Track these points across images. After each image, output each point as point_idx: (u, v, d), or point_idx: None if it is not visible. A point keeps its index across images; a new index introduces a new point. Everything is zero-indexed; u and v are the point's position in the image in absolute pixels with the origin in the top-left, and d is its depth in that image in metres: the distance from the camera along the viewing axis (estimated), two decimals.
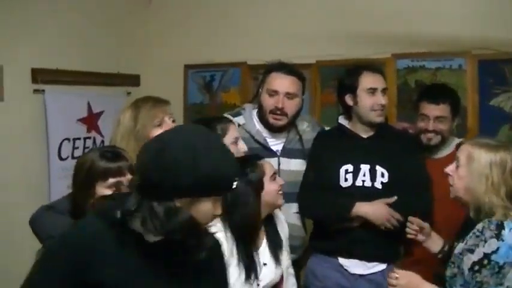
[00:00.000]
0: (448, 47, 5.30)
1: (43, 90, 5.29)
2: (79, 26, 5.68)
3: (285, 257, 3.72)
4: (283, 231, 3.78)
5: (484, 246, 2.99)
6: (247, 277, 3.37)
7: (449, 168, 3.32)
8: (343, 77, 4.30)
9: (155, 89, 6.33)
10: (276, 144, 4.33)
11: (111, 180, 3.02)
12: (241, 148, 3.90)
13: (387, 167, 4.09)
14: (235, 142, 3.84)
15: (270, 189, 3.54)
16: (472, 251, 3.02)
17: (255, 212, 3.44)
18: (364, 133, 4.23)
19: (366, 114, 4.17)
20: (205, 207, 2.37)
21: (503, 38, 5.09)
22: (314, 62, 5.86)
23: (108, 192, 2.98)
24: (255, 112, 4.46)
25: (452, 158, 3.39)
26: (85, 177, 3.06)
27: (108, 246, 2.37)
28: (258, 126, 4.38)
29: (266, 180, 3.53)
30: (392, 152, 4.14)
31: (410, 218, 3.65)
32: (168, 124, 3.78)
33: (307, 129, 4.41)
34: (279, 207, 3.71)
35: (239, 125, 4.26)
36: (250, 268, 3.40)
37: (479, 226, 3.05)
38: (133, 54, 6.33)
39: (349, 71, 4.28)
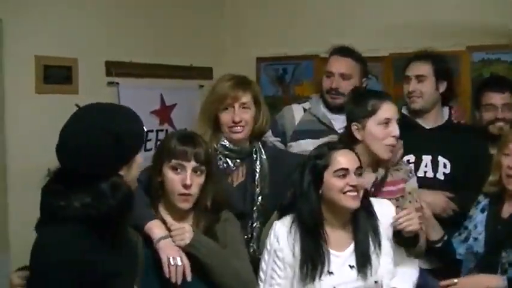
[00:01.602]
0: None
1: (117, 83, 5.36)
2: (152, 19, 5.75)
3: (387, 263, 3.44)
4: (388, 232, 3.48)
5: None
6: (313, 269, 3.28)
7: None
8: None
9: None
10: (340, 126, 4.34)
11: (174, 162, 3.13)
12: (392, 132, 3.65)
13: (450, 158, 4.12)
14: (386, 123, 3.63)
15: (332, 185, 3.32)
16: None
17: (314, 206, 3.35)
18: (426, 124, 4.27)
19: (407, 102, 4.37)
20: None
21: None
22: (387, 55, 5.81)
23: (170, 172, 3.12)
24: (321, 99, 4.62)
25: None
26: (156, 154, 3.24)
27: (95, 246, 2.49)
28: (324, 109, 4.55)
29: (329, 173, 3.34)
30: (456, 143, 4.16)
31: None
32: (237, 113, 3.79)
33: None
34: (349, 210, 3.38)
35: (305, 110, 4.53)
36: (316, 260, 3.29)
37: None
38: (206, 47, 6.36)
39: (404, 62, 4.54)
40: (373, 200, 3.53)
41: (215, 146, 3.82)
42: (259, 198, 3.84)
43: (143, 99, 5.58)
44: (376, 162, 3.70)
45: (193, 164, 3.15)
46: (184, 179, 3.13)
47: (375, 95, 3.82)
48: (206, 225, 3.26)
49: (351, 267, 3.33)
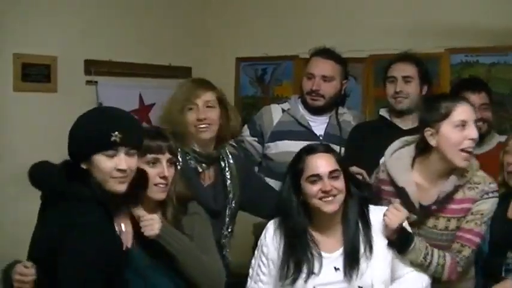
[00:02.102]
0: (503, 42, 5.22)
1: (96, 82, 5.35)
2: (132, 18, 5.74)
3: (379, 269, 3.32)
4: (386, 242, 3.37)
5: None
6: (295, 269, 3.27)
7: None
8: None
9: None
10: (318, 128, 4.47)
11: (149, 157, 3.20)
12: (469, 134, 3.39)
13: None
14: (462, 125, 3.39)
15: (307, 191, 3.31)
16: None
17: (295, 211, 3.35)
18: (404, 125, 4.31)
19: (389, 102, 4.38)
20: (99, 162, 2.86)
21: None
22: (367, 56, 5.82)
23: (147, 167, 3.21)
24: (299, 100, 4.63)
25: (493, 154, 3.75)
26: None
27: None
28: (303, 111, 4.55)
29: (303, 179, 3.32)
30: None
31: None
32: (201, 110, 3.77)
33: (352, 122, 4.58)
34: (329, 214, 3.32)
35: (284, 110, 4.54)
36: (299, 261, 3.28)
37: None
38: (185, 46, 6.34)
39: (386, 63, 4.54)
40: (372, 207, 3.45)
41: (185, 148, 3.80)
42: (233, 203, 3.86)
43: (122, 99, 5.52)
44: (450, 173, 3.47)
45: (167, 156, 3.26)
46: (161, 172, 3.22)
47: (447, 97, 3.64)
48: (174, 216, 3.32)
49: (336, 269, 3.30)
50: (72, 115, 5.03)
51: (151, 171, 3.21)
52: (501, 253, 3.58)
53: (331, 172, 3.28)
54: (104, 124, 2.94)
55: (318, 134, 4.47)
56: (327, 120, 4.54)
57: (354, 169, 3.93)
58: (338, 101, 4.60)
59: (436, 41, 5.37)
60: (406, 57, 4.40)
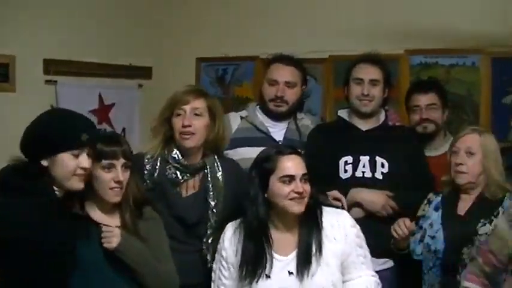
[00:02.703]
0: (462, 44, 5.28)
1: (55, 81, 5.31)
2: (92, 18, 5.69)
3: (328, 273, 3.31)
4: (336, 245, 3.36)
5: None
6: (251, 271, 3.28)
7: (462, 160, 3.73)
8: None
9: (167, 81, 6.35)
10: (278, 134, 4.45)
11: (104, 162, 3.26)
12: None
13: (387, 158, 4.17)
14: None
15: (277, 190, 3.29)
16: None
17: (260, 209, 3.33)
18: (363, 126, 4.31)
19: (353, 103, 4.32)
20: (64, 160, 2.98)
21: None
22: (327, 57, 5.85)
23: (103, 172, 3.28)
24: (257, 107, 4.61)
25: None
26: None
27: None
28: (261, 117, 4.53)
29: (274, 178, 3.30)
30: (392, 143, 4.23)
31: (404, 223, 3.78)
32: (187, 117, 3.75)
33: (310, 126, 4.56)
34: (294, 215, 3.34)
35: (242, 118, 4.53)
36: (255, 263, 3.29)
37: (508, 202, 3.65)
38: (145, 46, 6.31)
39: (350, 63, 4.47)
40: (328, 209, 3.47)
41: (165, 156, 3.79)
42: (214, 212, 3.81)
43: (81, 98, 5.53)
44: None
45: (122, 161, 3.30)
46: (116, 176, 3.28)
47: None
48: (131, 219, 3.38)
49: (290, 273, 3.30)
50: (31, 115, 4.96)
51: (106, 176, 3.28)
52: (456, 249, 3.66)
53: (303, 175, 3.31)
54: (74, 125, 3.10)
55: (277, 140, 4.44)
56: (286, 126, 4.52)
57: (334, 193, 3.99)
58: (297, 106, 4.60)
59: (395, 42, 5.41)
60: (372, 59, 4.41)
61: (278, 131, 4.47)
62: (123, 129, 5.99)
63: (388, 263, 4.11)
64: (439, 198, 3.91)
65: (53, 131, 3.04)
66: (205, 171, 3.83)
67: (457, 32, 5.21)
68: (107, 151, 3.27)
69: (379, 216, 4.08)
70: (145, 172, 3.75)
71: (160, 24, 6.49)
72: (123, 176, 3.29)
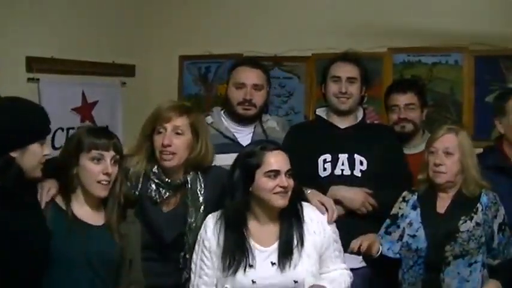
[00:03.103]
0: (445, 43, 5.30)
1: (38, 79, 5.26)
2: (75, 15, 5.65)
3: (309, 264, 3.44)
4: (315, 238, 3.49)
5: (501, 209, 3.80)
6: (234, 265, 3.35)
7: (441, 160, 3.78)
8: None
9: (150, 79, 6.36)
10: (244, 138, 4.38)
11: (94, 152, 3.27)
12: None
13: (366, 155, 4.20)
14: None
15: (262, 184, 3.38)
16: (495, 216, 3.77)
17: (240, 202, 3.42)
18: (341, 124, 4.33)
19: (331, 101, 4.33)
20: (34, 151, 3.04)
21: (500, 34, 5.10)
22: (310, 55, 5.86)
23: (91, 164, 3.27)
24: (222, 112, 4.54)
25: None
26: (69, 147, 3.36)
27: None
28: (226, 123, 4.46)
29: (260, 173, 3.38)
30: (370, 141, 4.25)
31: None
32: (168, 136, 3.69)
33: (277, 128, 4.52)
34: (277, 208, 3.43)
35: (208, 124, 4.30)
36: (237, 253, 3.36)
37: (486, 198, 3.79)
38: (128, 44, 6.29)
39: (328, 62, 4.48)
40: (307, 204, 3.59)
41: (147, 171, 3.74)
42: (191, 229, 3.74)
43: (64, 96, 5.50)
44: None
45: (112, 153, 3.30)
46: (105, 168, 3.27)
47: None
48: (115, 218, 3.39)
49: (272, 263, 3.39)
50: None
51: (95, 168, 3.26)
52: (439, 247, 3.72)
53: (288, 170, 3.41)
54: (42, 115, 3.17)
55: (244, 145, 4.21)
56: (252, 130, 4.46)
57: (324, 200, 3.85)
58: (264, 109, 4.58)
59: (378, 40, 5.44)
60: (349, 57, 4.42)
61: (244, 135, 4.41)
62: (106, 127, 5.97)
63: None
64: (415, 197, 3.94)
65: (24, 123, 3.06)
66: (187, 186, 3.76)
67: (440, 31, 5.25)
68: (98, 142, 3.26)
69: (358, 213, 4.10)
70: (128, 185, 3.65)
71: (143, 22, 6.48)
72: (112, 169, 3.28)
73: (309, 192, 3.74)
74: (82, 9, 5.73)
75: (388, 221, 3.94)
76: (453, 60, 5.35)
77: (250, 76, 4.40)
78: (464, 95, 5.30)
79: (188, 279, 3.63)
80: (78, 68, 5.70)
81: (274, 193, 3.37)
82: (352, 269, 3.79)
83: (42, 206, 3.22)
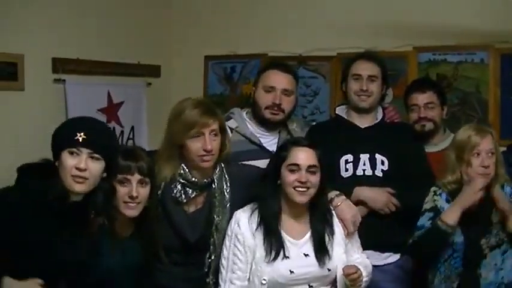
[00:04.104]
0: (470, 41, 5.27)
1: (64, 80, 5.30)
2: (100, 16, 5.69)
3: (340, 252, 3.58)
4: (341, 229, 3.66)
5: None
6: (272, 255, 3.43)
7: (490, 161, 3.80)
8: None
9: (175, 80, 6.38)
10: (270, 144, 4.31)
11: (119, 177, 3.35)
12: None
13: (387, 155, 4.17)
14: None
15: (284, 177, 3.50)
16: None
17: (272, 194, 3.54)
18: (361, 123, 4.32)
19: (351, 99, 4.32)
20: (64, 159, 3.04)
21: None
22: (335, 55, 5.85)
23: (119, 186, 3.35)
24: (244, 114, 4.46)
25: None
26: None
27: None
28: (251, 127, 4.38)
29: (284, 166, 3.50)
30: (391, 141, 4.23)
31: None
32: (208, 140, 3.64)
33: (296, 129, 4.45)
34: (299, 204, 3.52)
35: (232, 129, 4.27)
36: (272, 247, 3.45)
37: (509, 188, 3.89)
38: (154, 44, 6.33)
39: (348, 60, 4.49)
40: None
41: (172, 174, 3.71)
42: (217, 229, 3.72)
43: (90, 97, 5.53)
44: None
45: (137, 176, 3.37)
46: (130, 191, 3.35)
47: None
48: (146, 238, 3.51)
49: (306, 255, 3.50)
50: (39, 113, 5.06)
51: (121, 190, 3.35)
52: (476, 240, 3.78)
53: (310, 166, 3.48)
54: (71, 124, 3.24)
55: (270, 150, 4.24)
56: (277, 135, 4.37)
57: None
58: (290, 116, 4.47)
59: (404, 39, 5.42)
60: (370, 56, 4.41)
61: (269, 141, 4.34)
62: (132, 128, 6.01)
63: (391, 258, 4.17)
64: (446, 193, 3.93)
65: (57, 131, 3.15)
66: (213, 186, 3.75)
67: (466, 29, 5.21)
68: (122, 165, 3.34)
69: (382, 213, 4.10)
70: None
71: (168, 23, 6.52)
72: (138, 191, 3.35)
73: (333, 197, 3.75)
74: (108, 10, 5.76)
75: (429, 214, 3.88)
76: (479, 59, 5.30)
77: (281, 80, 4.32)
78: (489, 93, 5.25)
79: (215, 283, 3.65)
80: (103, 69, 5.74)
81: (294, 188, 3.46)
82: (375, 266, 3.88)
83: None
